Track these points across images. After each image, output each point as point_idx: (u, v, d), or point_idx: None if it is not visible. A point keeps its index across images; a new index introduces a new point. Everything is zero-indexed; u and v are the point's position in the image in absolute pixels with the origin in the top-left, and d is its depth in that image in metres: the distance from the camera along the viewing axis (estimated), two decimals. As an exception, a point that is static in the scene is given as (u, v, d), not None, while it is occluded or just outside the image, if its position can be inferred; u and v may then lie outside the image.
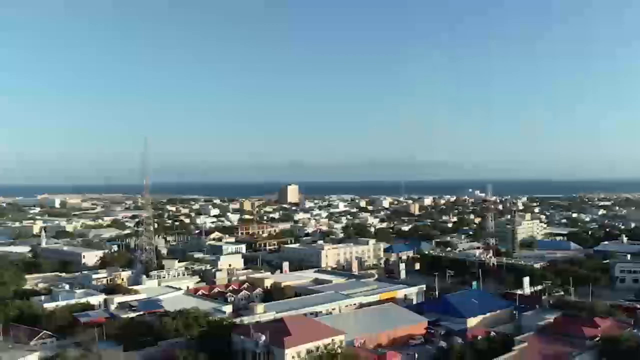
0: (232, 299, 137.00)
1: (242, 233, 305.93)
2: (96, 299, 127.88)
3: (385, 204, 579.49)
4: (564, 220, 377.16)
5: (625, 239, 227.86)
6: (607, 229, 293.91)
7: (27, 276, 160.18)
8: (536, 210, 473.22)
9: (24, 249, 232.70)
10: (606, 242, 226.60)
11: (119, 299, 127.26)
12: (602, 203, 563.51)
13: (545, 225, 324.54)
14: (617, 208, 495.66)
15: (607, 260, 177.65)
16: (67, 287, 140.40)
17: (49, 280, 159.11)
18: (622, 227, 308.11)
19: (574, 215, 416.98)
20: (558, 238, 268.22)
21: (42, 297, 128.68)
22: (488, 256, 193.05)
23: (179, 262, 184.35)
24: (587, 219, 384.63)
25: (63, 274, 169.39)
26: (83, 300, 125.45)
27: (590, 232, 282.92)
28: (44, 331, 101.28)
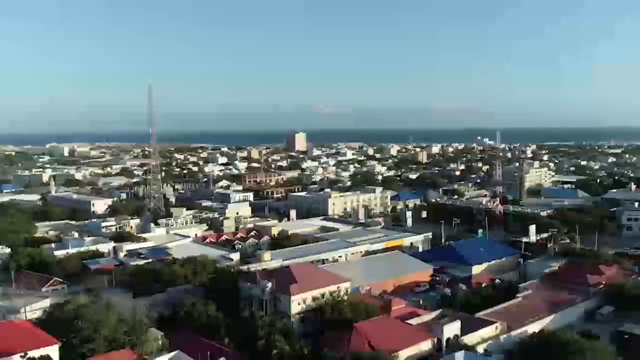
0: (240, 246, 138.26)
1: (249, 181, 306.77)
2: (105, 247, 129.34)
3: (393, 151, 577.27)
4: (572, 168, 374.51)
5: (633, 187, 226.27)
6: (616, 177, 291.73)
7: (37, 224, 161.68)
8: (545, 158, 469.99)
9: (34, 197, 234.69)
10: (614, 190, 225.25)
11: (127, 246, 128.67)
12: (612, 151, 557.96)
13: (553, 173, 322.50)
14: (627, 156, 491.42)
15: (615, 209, 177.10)
16: (76, 235, 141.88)
17: (58, 228, 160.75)
18: (632, 175, 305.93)
19: (583, 163, 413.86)
20: (566, 186, 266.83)
21: (53, 245, 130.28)
22: (495, 204, 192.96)
23: (186, 210, 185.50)
24: (596, 167, 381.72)
25: (73, 222, 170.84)
26: (92, 247, 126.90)
27: (598, 180, 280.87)
28: (55, 278, 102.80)
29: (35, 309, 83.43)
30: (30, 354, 60.45)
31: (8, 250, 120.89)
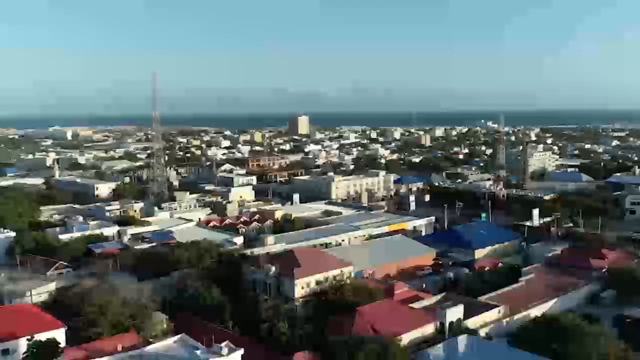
0: (243, 230, 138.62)
1: (252, 165, 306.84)
2: (110, 231, 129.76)
3: (397, 135, 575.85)
4: (576, 152, 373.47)
5: (637, 170, 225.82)
6: (620, 161, 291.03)
7: (41, 208, 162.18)
8: (549, 141, 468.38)
9: (37, 181, 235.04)
10: (618, 174, 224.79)
11: (132, 230, 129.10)
12: (616, 134, 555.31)
13: (557, 157, 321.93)
14: (631, 139, 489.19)
15: (619, 192, 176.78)
16: (80, 218, 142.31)
17: (63, 211, 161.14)
18: (636, 158, 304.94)
19: (587, 146, 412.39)
20: (570, 169, 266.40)
21: (57, 229, 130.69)
22: (498, 188, 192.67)
23: (190, 194, 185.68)
24: (600, 150, 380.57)
25: (77, 206, 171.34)
26: (97, 231, 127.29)
27: (602, 164, 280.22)
28: (60, 262, 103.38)
29: (41, 292, 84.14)
30: (37, 337, 60.97)
31: (13, 234, 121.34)
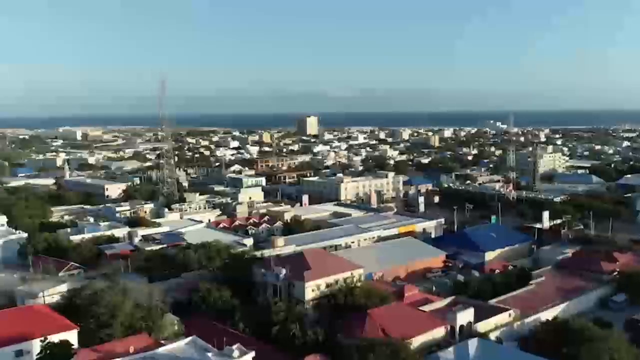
0: (253, 232, 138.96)
1: (261, 166, 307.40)
2: (120, 232, 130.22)
3: (405, 135, 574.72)
4: (586, 153, 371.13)
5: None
6: (631, 162, 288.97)
7: (52, 208, 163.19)
8: (559, 142, 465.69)
9: (48, 182, 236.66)
10: (629, 176, 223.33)
11: (142, 231, 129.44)
12: (627, 135, 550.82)
13: (567, 158, 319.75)
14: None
15: (629, 194, 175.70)
16: (91, 219, 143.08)
17: (73, 212, 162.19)
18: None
19: (597, 147, 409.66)
20: (580, 171, 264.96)
21: (69, 230, 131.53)
22: (508, 189, 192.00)
23: (199, 195, 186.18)
24: (611, 152, 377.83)
25: (87, 207, 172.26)
26: (108, 232, 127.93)
27: (613, 165, 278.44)
28: (71, 263, 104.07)
29: (53, 293, 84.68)
30: (50, 338, 61.46)
31: (25, 235, 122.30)
